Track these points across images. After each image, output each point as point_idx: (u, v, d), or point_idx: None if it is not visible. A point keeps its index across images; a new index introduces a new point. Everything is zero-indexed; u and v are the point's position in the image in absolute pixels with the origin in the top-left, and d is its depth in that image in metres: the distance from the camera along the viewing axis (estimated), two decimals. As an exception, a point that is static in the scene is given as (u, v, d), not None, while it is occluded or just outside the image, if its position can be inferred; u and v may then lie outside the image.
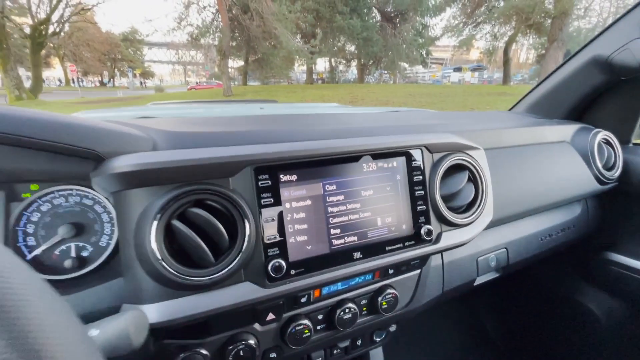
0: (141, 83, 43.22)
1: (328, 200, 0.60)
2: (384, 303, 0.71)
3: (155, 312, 0.48)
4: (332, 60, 29.89)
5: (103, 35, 33.62)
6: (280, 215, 0.56)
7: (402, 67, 27.76)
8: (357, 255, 0.62)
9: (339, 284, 0.66)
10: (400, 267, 0.72)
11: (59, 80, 44.76)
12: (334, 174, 0.60)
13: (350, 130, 0.71)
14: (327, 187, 0.60)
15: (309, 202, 0.58)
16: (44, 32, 17.15)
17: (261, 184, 0.55)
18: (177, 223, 0.49)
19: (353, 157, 0.62)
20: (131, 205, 0.50)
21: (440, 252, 0.72)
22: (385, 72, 29.58)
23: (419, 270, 0.78)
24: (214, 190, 0.51)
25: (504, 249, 0.94)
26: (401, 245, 0.65)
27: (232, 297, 0.52)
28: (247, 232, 0.52)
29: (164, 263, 0.48)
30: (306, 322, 0.64)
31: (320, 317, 0.67)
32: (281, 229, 0.56)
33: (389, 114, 1.07)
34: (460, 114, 1.10)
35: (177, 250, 0.50)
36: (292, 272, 0.56)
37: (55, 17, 18.23)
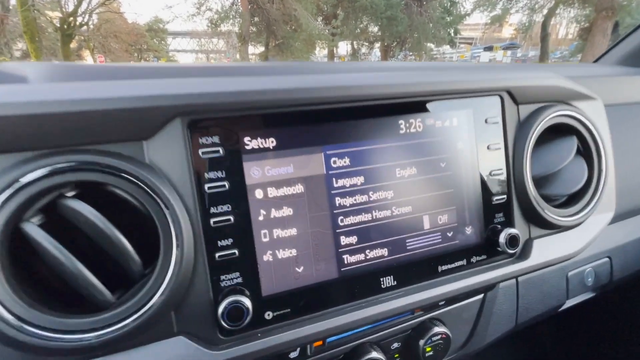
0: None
1: (335, 184, 0.36)
2: (429, 349, 0.44)
3: None
4: (354, 42, 28.97)
5: (129, 26, 34.54)
6: (245, 213, 0.33)
7: (428, 47, 26.43)
8: (389, 281, 0.38)
9: None
10: (458, 295, 0.46)
11: (90, 72, 46.86)
12: (345, 138, 0.35)
13: (377, 68, 0.44)
14: (334, 162, 0.36)
15: (299, 187, 0.35)
16: (72, 24, 17.67)
17: (204, 153, 0.32)
18: (30, 228, 0.27)
19: (381, 108, 0.35)
20: None
21: (530, 272, 0.44)
22: (411, 53, 28.33)
23: (481, 295, 0.51)
24: (110, 166, 0.29)
25: (606, 259, 0.64)
26: (464, 262, 0.40)
27: None
28: (176, 244, 0.30)
29: None
30: None
31: None
32: (246, 239, 0.33)
33: (437, 62, 0.77)
34: (537, 65, 0.79)
35: (42, 279, 0.30)
36: (268, 315, 0.35)
37: (83, 8, 18.73)
